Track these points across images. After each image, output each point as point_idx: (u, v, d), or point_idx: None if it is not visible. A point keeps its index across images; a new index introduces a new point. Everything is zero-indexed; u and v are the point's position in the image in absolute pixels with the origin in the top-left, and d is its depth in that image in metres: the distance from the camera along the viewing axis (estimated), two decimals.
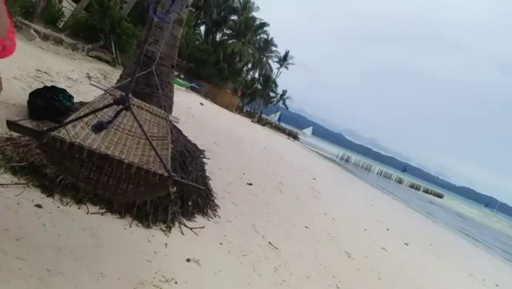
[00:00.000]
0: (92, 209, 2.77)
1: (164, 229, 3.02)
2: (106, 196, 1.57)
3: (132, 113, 1.46)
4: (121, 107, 1.52)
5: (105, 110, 2.32)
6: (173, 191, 1.49)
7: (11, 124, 1.36)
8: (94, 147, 1.43)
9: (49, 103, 3.45)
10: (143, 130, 1.55)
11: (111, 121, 1.48)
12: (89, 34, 12.57)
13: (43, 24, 11.19)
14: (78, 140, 1.36)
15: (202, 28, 39.35)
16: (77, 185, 1.55)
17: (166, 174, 1.42)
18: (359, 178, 22.82)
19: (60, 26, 13.46)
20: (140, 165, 1.40)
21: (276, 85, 49.48)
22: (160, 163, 1.58)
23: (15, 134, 3.12)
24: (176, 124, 3.63)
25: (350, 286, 3.78)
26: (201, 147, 5.37)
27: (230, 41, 38.44)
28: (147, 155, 2.30)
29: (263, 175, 7.58)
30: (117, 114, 1.48)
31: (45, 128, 1.31)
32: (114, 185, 1.49)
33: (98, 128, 1.51)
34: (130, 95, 1.43)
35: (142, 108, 2.96)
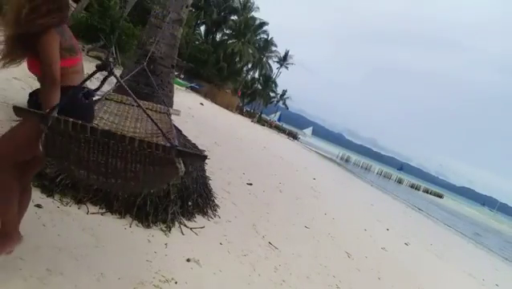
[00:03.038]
0: (92, 209, 2.77)
1: (164, 229, 3.02)
2: (118, 185, 1.58)
3: (115, 77, 1.50)
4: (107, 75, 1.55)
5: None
6: (182, 169, 1.49)
7: (17, 109, 1.46)
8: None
9: None
10: (135, 100, 1.56)
11: (98, 88, 1.53)
12: (89, 34, 12.57)
13: None
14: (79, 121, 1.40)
15: (202, 28, 39.37)
16: (89, 178, 1.57)
17: (169, 144, 1.43)
18: (359, 178, 22.83)
19: None
20: (141, 138, 1.42)
21: (276, 85, 49.50)
22: (163, 138, 1.59)
23: None
24: (175, 125, 3.62)
25: (350, 287, 3.78)
26: (200, 147, 5.37)
27: (230, 41, 38.44)
28: (150, 134, 2.33)
29: (263, 175, 7.58)
30: (103, 81, 1.55)
31: (47, 111, 1.35)
32: (123, 169, 1.50)
33: (86, 95, 1.58)
34: (111, 59, 1.45)
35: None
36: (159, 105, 3.19)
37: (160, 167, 1.51)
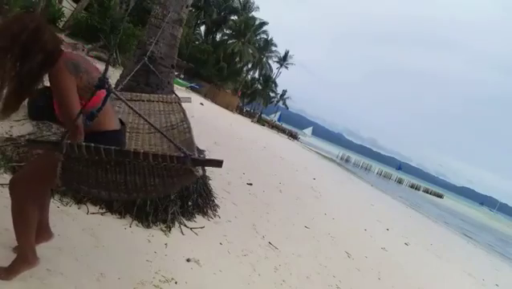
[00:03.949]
0: (92, 209, 2.77)
1: (164, 229, 3.02)
2: (141, 197, 1.61)
3: (116, 95, 1.45)
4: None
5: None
6: (200, 173, 1.49)
7: (30, 142, 1.57)
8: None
9: (49, 103, 3.45)
10: (141, 116, 1.54)
11: (100, 108, 1.50)
12: (89, 34, 12.58)
13: None
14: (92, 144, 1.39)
15: (202, 28, 39.37)
16: (110, 197, 1.59)
17: (182, 155, 1.43)
18: (359, 178, 22.83)
19: (60, 26, 13.47)
20: (155, 152, 1.42)
21: (276, 85, 49.51)
22: (175, 148, 1.60)
23: (15, 134, 3.12)
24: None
25: (350, 287, 3.78)
26: (201, 147, 5.37)
27: (230, 41, 38.43)
28: (165, 128, 2.34)
29: (263, 175, 7.58)
30: (105, 100, 1.49)
31: (59, 139, 1.34)
32: (143, 184, 1.50)
33: (90, 118, 1.53)
34: (107, 75, 1.44)
35: (153, 101, 2.95)
36: (169, 95, 3.15)
37: (178, 177, 1.52)
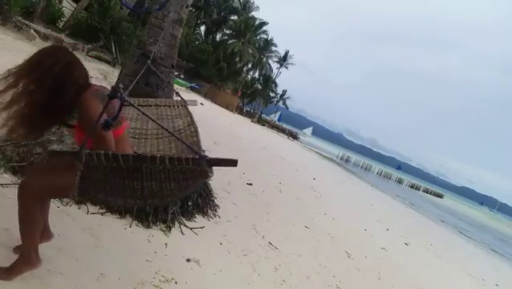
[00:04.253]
0: (92, 209, 2.77)
1: (164, 229, 3.02)
2: (156, 203, 1.63)
3: (131, 104, 1.47)
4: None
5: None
6: (212, 173, 1.51)
7: (52, 153, 1.58)
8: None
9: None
10: (156, 122, 1.57)
11: (115, 117, 1.50)
12: (89, 34, 12.58)
13: (43, 24, 11.20)
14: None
15: (202, 28, 39.38)
16: (126, 203, 1.62)
17: (197, 156, 1.45)
18: (359, 178, 22.83)
19: (60, 26, 13.47)
20: (171, 156, 1.43)
21: (276, 85, 49.55)
22: (188, 150, 1.63)
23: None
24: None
25: (350, 286, 3.78)
26: None
27: (230, 41, 38.44)
28: (173, 150, 2.36)
29: (263, 175, 7.58)
30: (120, 109, 1.50)
31: (78, 149, 1.37)
32: (159, 189, 1.52)
33: (106, 126, 1.55)
34: (120, 85, 1.46)
35: (159, 105, 2.95)
36: (175, 99, 3.14)
37: (192, 179, 1.54)
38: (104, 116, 1.44)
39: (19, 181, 2.63)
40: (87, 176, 1.44)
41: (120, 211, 2.89)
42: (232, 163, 1.45)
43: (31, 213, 1.70)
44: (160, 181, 1.49)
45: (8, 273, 1.71)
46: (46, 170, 1.83)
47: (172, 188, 1.53)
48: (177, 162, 1.41)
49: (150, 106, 2.89)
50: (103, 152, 1.38)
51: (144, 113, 1.52)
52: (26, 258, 1.73)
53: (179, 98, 3.05)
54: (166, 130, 1.58)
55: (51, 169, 1.78)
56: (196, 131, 2.39)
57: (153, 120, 1.55)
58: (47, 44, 8.77)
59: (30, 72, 1.58)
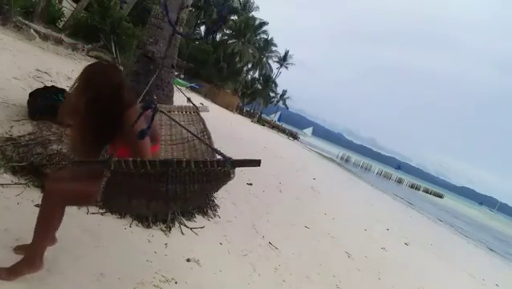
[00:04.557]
0: (92, 209, 2.77)
1: (164, 229, 3.02)
2: (177, 206, 1.67)
3: (164, 113, 1.66)
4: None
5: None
6: (234, 175, 1.54)
7: (76, 163, 1.74)
8: None
9: (49, 103, 3.45)
10: (186, 129, 1.67)
11: (149, 127, 1.60)
12: (89, 34, 12.57)
13: (43, 24, 11.19)
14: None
15: (202, 28, 39.37)
16: (148, 207, 1.65)
17: (223, 158, 1.48)
18: (359, 178, 22.83)
19: (60, 26, 13.46)
20: (197, 159, 1.47)
21: (276, 85, 49.54)
22: (211, 152, 1.72)
23: (15, 134, 3.12)
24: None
25: (350, 286, 3.78)
26: None
27: (230, 41, 38.44)
28: (190, 154, 2.38)
29: (263, 175, 7.57)
30: (152, 118, 1.59)
31: (107, 156, 1.42)
32: (183, 191, 1.55)
33: (141, 135, 1.61)
34: (154, 96, 1.56)
35: (171, 111, 2.95)
36: (186, 105, 3.14)
37: (215, 180, 1.58)
38: (141, 126, 1.55)
39: (19, 181, 2.64)
40: (114, 181, 1.47)
41: (120, 211, 2.89)
42: (255, 163, 1.47)
43: (51, 218, 1.73)
44: (184, 183, 1.52)
45: (9, 273, 1.71)
46: (72, 177, 1.88)
47: (196, 190, 1.57)
48: (203, 165, 1.44)
49: (162, 112, 2.89)
50: (130, 158, 1.41)
51: (176, 121, 1.71)
52: (31, 260, 1.74)
53: (191, 104, 3.06)
54: (194, 135, 1.64)
55: (77, 177, 1.84)
56: (209, 137, 2.42)
57: (184, 128, 1.65)
58: (47, 44, 8.77)
59: (83, 94, 1.67)
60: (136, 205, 1.61)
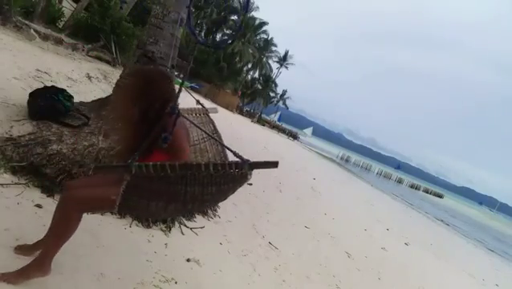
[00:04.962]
0: None
1: (164, 229, 3.02)
2: (194, 209, 1.69)
3: (187, 119, 1.71)
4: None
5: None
6: (250, 177, 1.54)
7: (97, 168, 1.79)
8: None
9: (49, 103, 3.45)
10: (206, 132, 1.76)
11: (171, 132, 1.62)
12: (89, 34, 12.56)
13: (43, 24, 11.18)
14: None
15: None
16: (166, 210, 1.67)
17: (241, 161, 1.49)
18: (359, 178, 22.83)
19: (60, 26, 13.46)
20: (215, 162, 1.48)
21: (276, 85, 49.51)
22: (222, 154, 1.75)
23: (15, 134, 3.12)
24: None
25: (350, 286, 3.78)
26: None
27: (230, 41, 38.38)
28: (208, 154, 2.39)
29: (263, 175, 7.56)
30: (174, 123, 1.63)
31: (129, 161, 1.43)
32: (200, 193, 1.57)
33: (164, 141, 1.64)
34: (178, 102, 1.64)
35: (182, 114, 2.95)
36: (196, 107, 3.13)
37: (233, 182, 1.59)
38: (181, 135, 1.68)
39: (19, 181, 2.64)
40: (133, 185, 1.49)
41: (139, 215, 2.87)
42: (273, 165, 1.46)
43: (70, 225, 1.72)
44: (202, 185, 1.54)
45: (17, 276, 1.70)
46: (88, 184, 1.91)
47: (214, 192, 1.58)
48: (221, 167, 1.46)
49: (183, 117, 2.88)
50: (151, 163, 1.42)
51: (196, 125, 1.79)
52: (41, 264, 1.73)
53: (200, 106, 3.05)
54: (214, 138, 1.64)
55: (93, 183, 1.86)
56: (220, 139, 2.43)
57: (204, 131, 1.78)
58: (47, 44, 8.76)
59: (136, 103, 1.76)
60: (154, 208, 1.62)
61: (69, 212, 1.72)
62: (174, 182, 1.50)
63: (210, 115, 3.06)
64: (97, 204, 1.75)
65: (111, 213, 2.84)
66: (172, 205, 1.61)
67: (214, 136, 2.64)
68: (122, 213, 2.88)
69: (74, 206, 1.71)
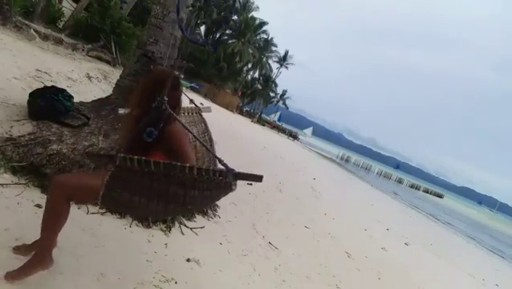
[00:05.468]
0: (92, 209, 2.77)
1: (164, 229, 3.02)
2: (176, 211, 1.70)
3: (173, 115, 1.64)
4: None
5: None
6: (235, 187, 1.53)
7: (89, 154, 1.96)
8: None
9: (49, 103, 3.45)
10: (194, 135, 1.74)
11: (157, 127, 1.66)
12: (89, 34, 12.56)
13: (43, 24, 11.17)
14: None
15: (202, 28, 39.38)
16: (147, 208, 1.66)
17: (225, 169, 1.47)
18: (359, 178, 22.83)
19: (60, 26, 13.45)
20: (200, 166, 1.47)
21: (276, 85, 49.54)
22: (215, 161, 1.67)
23: (15, 134, 3.12)
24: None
25: (350, 286, 3.78)
26: None
27: (230, 41, 38.43)
28: (201, 154, 2.38)
29: (263, 175, 7.57)
30: (162, 120, 1.67)
31: (115, 152, 1.48)
32: (183, 195, 1.56)
33: (149, 135, 1.66)
34: (165, 98, 1.65)
35: None
36: (189, 106, 3.12)
37: (216, 190, 1.58)
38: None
39: (19, 181, 2.64)
40: (118, 175, 1.51)
41: (120, 209, 2.88)
42: (257, 178, 1.45)
43: (57, 213, 1.74)
44: (185, 188, 1.53)
45: (20, 273, 1.70)
46: (78, 174, 2.00)
47: (196, 196, 1.57)
48: (205, 173, 1.45)
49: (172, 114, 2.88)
50: (136, 157, 1.44)
51: (185, 126, 1.71)
52: (41, 258, 1.74)
53: (193, 105, 3.04)
54: (201, 143, 1.66)
55: (83, 174, 1.97)
56: (210, 139, 2.42)
57: (191, 132, 1.70)
58: (47, 44, 8.76)
59: (147, 100, 1.78)
60: (136, 204, 1.62)
61: (56, 199, 1.73)
62: (157, 180, 1.50)
63: (203, 114, 3.06)
64: (82, 191, 1.75)
65: (111, 213, 2.84)
66: (154, 203, 1.60)
67: (201, 135, 2.63)
68: (122, 213, 2.88)
69: (60, 192, 1.72)
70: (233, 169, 1.47)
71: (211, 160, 2.85)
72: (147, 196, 1.58)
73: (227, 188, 1.52)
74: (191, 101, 3.01)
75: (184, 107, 3.06)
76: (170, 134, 1.82)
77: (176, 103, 1.97)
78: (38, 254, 1.75)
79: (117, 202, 1.72)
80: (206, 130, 2.60)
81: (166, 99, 1.65)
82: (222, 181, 1.47)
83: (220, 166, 1.51)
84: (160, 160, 1.46)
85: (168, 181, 1.51)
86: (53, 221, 1.75)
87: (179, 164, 1.46)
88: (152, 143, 1.76)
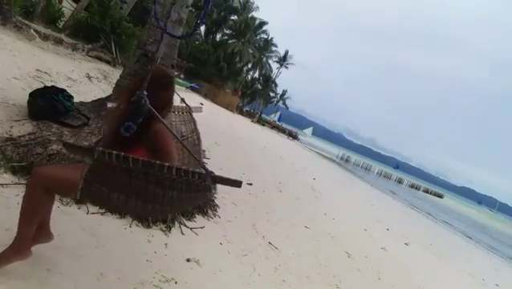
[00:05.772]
0: (92, 209, 2.77)
1: (164, 229, 3.02)
2: (155, 210, 1.69)
3: (152, 110, 1.60)
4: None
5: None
6: (214, 192, 1.52)
7: (67, 146, 1.78)
8: None
9: (49, 103, 3.45)
10: (174, 135, 1.70)
11: (135, 122, 1.63)
12: (89, 34, 12.56)
13: (43, 24, 11.18)
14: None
15: (202, 28, 39.37)
16: (126, 204, 1.65)
17: (204, 171, 1.46)
18: (359, 178, 22.83)
19: (60, 26, 13.46)
20: (178, 166, 1.46)
21: (276, 85, 49.56)
22: (195, 162, 1.71)
23: (15, 134, 3.12)
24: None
25: (350, 286, 3.78)
26: None
27: (230, 41, 38.44)
28: (184, 154, 2.38)
29: (263, 175, 7.58)
30: (139, 113, 1.64)
31: (93, 145, 1.42)
32: (161, 195, 1.55)
33: (127, 129, 1.64)
34: (144, 92, 1.61)
35: None
36: (180, 105, 3.13)
37: (195, 192, 1.57)
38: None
39: (19, 181, 2.64)
40: (97, 170, 1.50)
41: (120, 211, 2.89)
42: (236, 184, 1.45)
43: (34, 200, 1.72)
44: (164, 187, 1.52)
45: None
46: (58, 167, 1.99)
47: (174, 197, 1.56)
48: (184, 174, 1.44)
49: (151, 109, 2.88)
50: (115, 152, 1.42)
51: (165, 124, 1.67)
52: (17, 246, 1.74)
53: (184, 104, 3.04)
54: (183, 144, 1.66)
55: (64, 167, 1.95)
56: (198, 138, 2.42)
57: (171, 132, 1.67)
58: (47, 44, 8.76)
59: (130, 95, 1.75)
60: (115, 200, 1.60)
61: (33, 188, 1.72)
62: (136, 177, 1.49)
63: (194, 113, 3.07)
64: (59, 182, 1.74)
65: (111, 213, 2.84)
66: (133, 201, 1.59)
67: (190, 135, 2.63)
68: (122, 213, 2.88)
69: (38, 182, 1.71)
70: (212, 172, 1.46)
71: (196, 161, 2.85)
72: (125, 193, 1.57)
73: (206, 190, 1.51)
74: (182, 100, 3.02)
75: (175, 106, 3.07)
76: (155, 132, 1.79)
77: (166, 103, 1.95)
78: (16, 244, 1.74)
79: (96, 197, 1.72)
80: (195, 130, 2.60)
81: (145, 93, 1.61)
82: (201, 183, 1.46)
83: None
84: (142, 157, 1.45)
85: (146, 180, 1.49)
86: (30, 210, 1.74)
87: (158, 162, 1.43)
88: (134, 139, 1.74)
